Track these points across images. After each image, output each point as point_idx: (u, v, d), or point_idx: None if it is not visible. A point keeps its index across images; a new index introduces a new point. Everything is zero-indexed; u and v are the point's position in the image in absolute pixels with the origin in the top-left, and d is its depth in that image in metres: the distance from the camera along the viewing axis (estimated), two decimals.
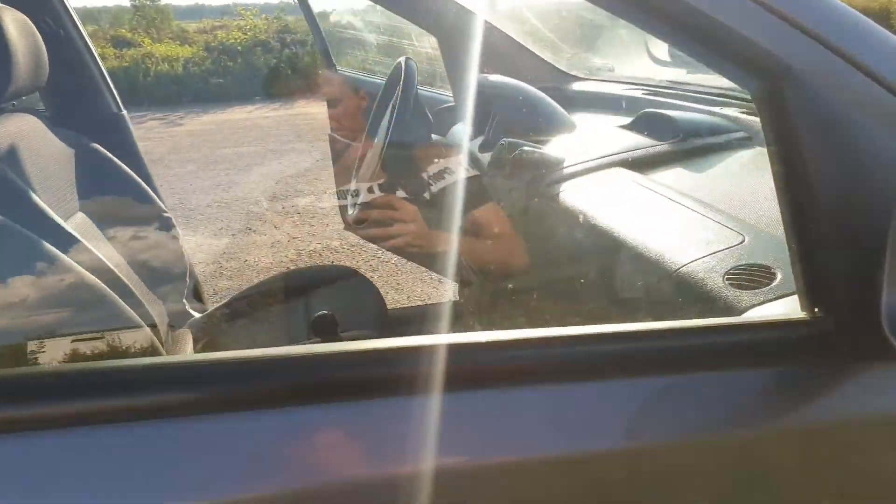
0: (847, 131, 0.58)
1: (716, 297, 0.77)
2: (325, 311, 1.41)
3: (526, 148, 1.29)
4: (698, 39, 0.59)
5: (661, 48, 1.73)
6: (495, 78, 1.68)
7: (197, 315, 1.89)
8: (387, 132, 1.49)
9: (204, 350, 1.72)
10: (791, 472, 0.61)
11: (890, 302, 0.54)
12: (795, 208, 0.60)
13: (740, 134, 1.26)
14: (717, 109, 1.41)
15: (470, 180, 1.33)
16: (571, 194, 1.16)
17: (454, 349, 0.59)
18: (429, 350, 0.59)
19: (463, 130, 1.96)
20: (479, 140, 1.69)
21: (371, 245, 4.03)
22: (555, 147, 1.39)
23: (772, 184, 1.06)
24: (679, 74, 1.65)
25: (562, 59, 1.93)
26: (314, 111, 9.90)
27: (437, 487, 0.56)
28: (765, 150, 1.21)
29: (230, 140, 7.60)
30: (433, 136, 1.49)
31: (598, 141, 1.38)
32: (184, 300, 1.90)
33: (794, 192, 0.60)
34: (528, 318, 1.01)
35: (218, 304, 1.87)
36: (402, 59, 1.63)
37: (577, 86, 1.92)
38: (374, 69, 2.63)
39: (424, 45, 2.35)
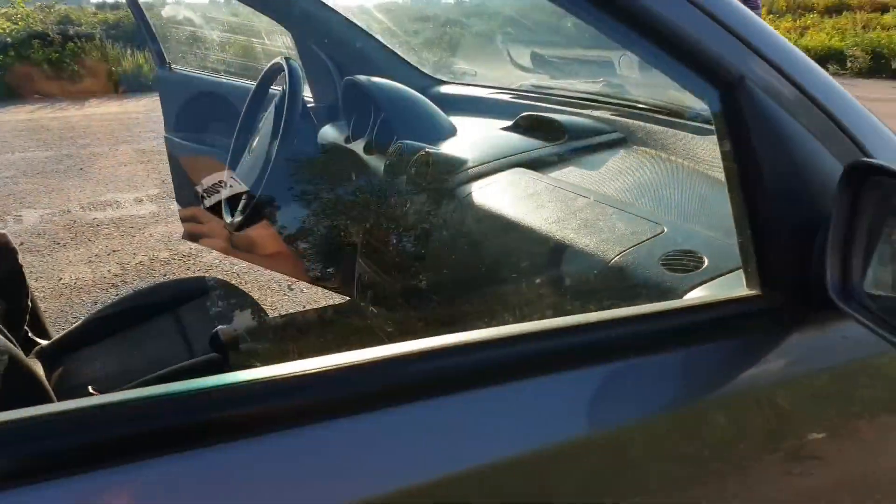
0: (788, 134, 0.68)
1: (656, 282, 0.86)
2: (224, 326, 1.34)
3: (430, 149, 1.31)
4: (666, 49, 0.67)
5: (524, 55, 1.84)
6: (374, 79, 1.69)
7: (43, 342, 1.68)
8: (274, 136, 1.44)
9: (60, 380, 1.54)
10: (758, 430, 0.71)
11: (833, 273, 0.65)
12: (747, 201, 0.70)
13: (616, 134, 1.39)
14: (586, 112, 1.54)
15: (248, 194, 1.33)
16: (484, 194, 1.21)
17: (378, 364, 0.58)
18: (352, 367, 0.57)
19: (331, 132, 1.94)
20: (360, 142, 1.69)
21: (207, 256, 3.79)
22: (448, 148, 1.43)
23: (662, 178, 1.20)
24: (543, 79, 1.77)
25: (426, 63, 1.98)
26: (112, 110, 9.04)
27: None
28: (641, 148, 1.35)
29: (14, 144, 6.69)
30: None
31: (488, 142, 1.45)
32: (26, 327, 1.68)
33: (745, 187, 0.69)
34: (463, 321, 1.04)
35: (70, 328, 1.68)
36: (280, 59, 1.58)
37: (442, 89, 1.98)
38: (217, 68, 2.49)
39: (277, 42, 2.28)
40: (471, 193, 1.22)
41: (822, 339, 0.73)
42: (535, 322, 0.69)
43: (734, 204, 0.72)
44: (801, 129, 0.69)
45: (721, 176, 1.13)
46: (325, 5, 1.95)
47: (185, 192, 2.53)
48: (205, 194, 2.31)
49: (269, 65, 1.63)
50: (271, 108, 1.52)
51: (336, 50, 2.02)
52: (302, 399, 0.56)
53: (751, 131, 0.67)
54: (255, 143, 1.56)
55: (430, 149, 1.33)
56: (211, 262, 3.71)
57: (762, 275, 0.70)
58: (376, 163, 1.55)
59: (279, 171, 1.42)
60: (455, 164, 1.30)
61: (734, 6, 0.68)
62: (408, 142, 1.39)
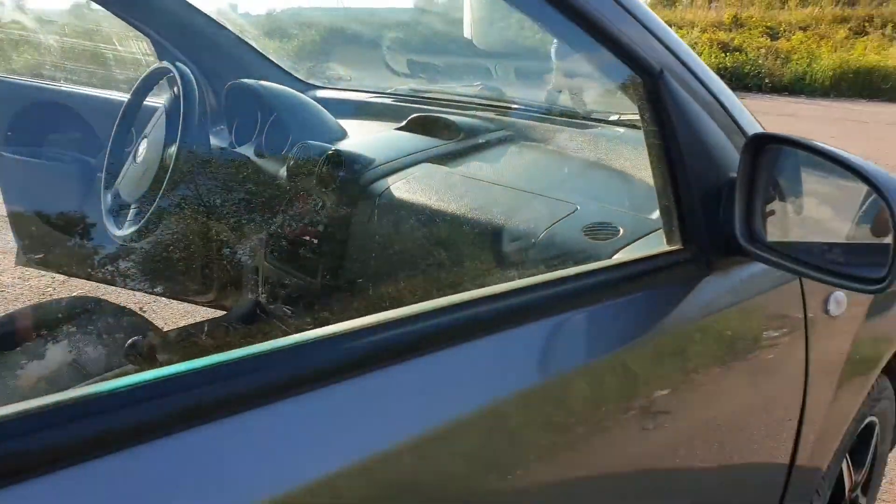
0: (695, 116, 0.84)
1: (584, 249, 1.00)
2: (138, 337, 1.29)
3: (338, 148, 1.36)
4: (605, 45, 0.79)
5: (400, 62, 1.93)
6: (263, 83, 1.69)
7: None
8: (170, 141, 1.40)
9: None
10: (685, 354, 0.86)
11: (740, 223, 0.82)
12: (668, 172, 0.85)
13: (504, 132, 1.53)
14: (469, 112, 1.67)
15: None
16: (402, 188, 1.28)
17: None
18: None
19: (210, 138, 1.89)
20: (248, 146, 1.68)
21: (36, 282, 3.42)
22: (351, 148, 1.49)
23: (557, 166, 1.35)
24: (421, 83, 1.87)
25: (300, 69, 2.01)
26: None
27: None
28: (529, 143, 1.50)
29: None
30: None
31: (386, 142, 1.52)
32: None
33: (666, 160, 0.84)
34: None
35: None
36: (166, 63, 1.54)
37: (318, 94, 2.01)
38: (55, 76, 2.30)
39: (131, 48, 2.17)
40: (389, 188, 1.29)
41: (728, 281, 0.90)
42: (472, 291, 0.71)
43: (656, 174, 0.87)
44: (704, 114, 0.86)
45: (606, 160, 1.31)
46: (192, 9, 1.90)
47: (22, 212, 2.30)
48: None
49: (150, 70, 1.57)
50: (160, 114, 1.48)
51: (202, 55, 1.98)
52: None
53: (670, 114, 0.83)
54: (141, 151, 1.50)
55: (339, 147, 1.37)
56: (42, 288, 3.36)
57: (682, 231, 0.86)
58: (270, 165, 1.56)
59: (176, 177, 1.39)
60: (365, 162, 1.36)
61: (653, 14, 0.83)
62: (312, 142, 1.42)
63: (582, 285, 0.81)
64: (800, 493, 1.25)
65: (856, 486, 1.54)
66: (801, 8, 16.94)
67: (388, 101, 1.90)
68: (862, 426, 1.44)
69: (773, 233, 0.82)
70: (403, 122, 1.62)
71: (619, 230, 1.02)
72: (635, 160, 1.31)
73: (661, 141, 0.84)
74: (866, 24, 14.79)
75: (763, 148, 0.80)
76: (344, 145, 1.52)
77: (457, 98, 1.79)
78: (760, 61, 12.02)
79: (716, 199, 0.86)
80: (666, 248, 0.88)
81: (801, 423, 1.12)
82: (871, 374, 1.36)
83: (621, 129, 1.44)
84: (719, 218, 0.85)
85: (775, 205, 0.82)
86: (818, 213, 0.83)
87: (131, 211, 1.47)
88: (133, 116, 1.61)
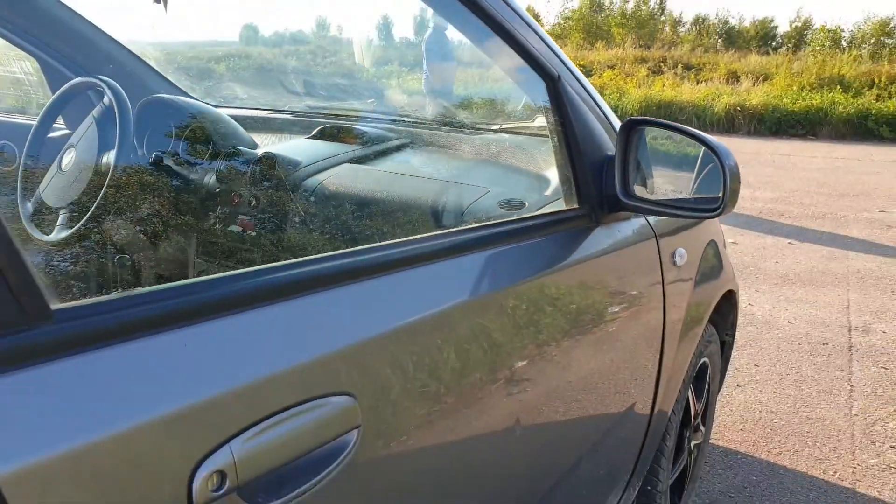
0: (583, 112, 1.15)
1: (502, 216, 1.27)
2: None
3: (269, 151, 1.53)
4: (517, 52, 1.07)
5: (298, 82, 2.12)
6: (179, 97, 1.80)
7: None
8: (104, 148, 1.50)
9: None
10: (580, 287, 1.15)
11: (620, 185, 1.13)
12: (567, 151, 1.14)
13: (403, 139, 1.78)
14: (369, 124, 1.90)
15: None
16: (334, 183, 1.48)
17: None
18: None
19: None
20: (165, 156, 1.78)
21: None
22: (276, 151, 1.65)
23: (458, 162, 1.62)
24: (316, 101, 2.07)
25: (196, 88, 2.12)
26: None
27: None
28: (427, 147, 1.77)
29: None
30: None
31: (305, 149, 1.71)
32: None
33: (566, 143, 1.14)
34: None
35: None
36: (87, 78, 1.62)
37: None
38: None
39: (13, 69, 2.17)
40: (321, 184, 1.49)
41: (610, 232, 1.21)
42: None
43: (558, 153, 1.16)
44: (587, 110, 1.17)
45: (497, 158, 1.60)
46: (89, 27, 1.97)
47: None
48: None
49: (69, 85, 1.64)
50: (88, 123, 1.55)
51: (101, 73, 2.03)
52: None
53: (567, 109, 1.12)
54: (67, 160, 1.56)
55: (270, 151, 1.55)
56: None
57: (578, 195, 1.16)
58: (193, 172, 1.68)
59: (115, 182, 1.48)
60: (293, 164, 1.55)
61: (546, 34, 1.12)
62: (241, 147, 1.58)
63: (502, 231, 1.05)
64: (661, 414, 1.60)
65: (697, 414, 1.94)
66: (608, 49, 19.04)
67: (286, 117, 2.08)
68: (699, 363, 1.84)
69: (643, 191, 1.14)
70: (313, 133, 1.82)
71: (524, 203, 1.30)
72: (518, 157, 1.62)
73: (561, 128, 1.14)
74: (661, 64, 16.98)
75: (633, 129, 1.12)
76: (266, 151, 1.69)
77: (352, 113, 2.01)
78: None
79: (600, 170, 1.17)
80: (566, 207, 1.18)
81: (661, 361, 1.46)
82: (702, 323, 1.76)
83: (505, 136, 1.75)
84: (604, 184, 1.16)
85: (643, 171, 1.15)
86: (674, 174, 1.17)
87: (60, 217, 1.52)
88: (47, 129, 1.66)
